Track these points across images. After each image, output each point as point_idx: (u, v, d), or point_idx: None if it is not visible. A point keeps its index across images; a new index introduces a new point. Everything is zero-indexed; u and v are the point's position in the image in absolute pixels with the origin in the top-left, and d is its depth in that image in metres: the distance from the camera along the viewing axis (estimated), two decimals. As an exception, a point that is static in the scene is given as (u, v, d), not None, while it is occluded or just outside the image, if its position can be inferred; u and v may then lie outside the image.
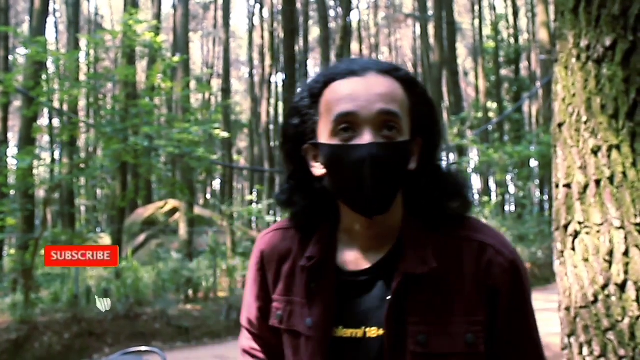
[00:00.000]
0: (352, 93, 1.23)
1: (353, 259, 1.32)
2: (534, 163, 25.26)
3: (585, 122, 2.52)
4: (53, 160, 27.22)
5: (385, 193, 1.22)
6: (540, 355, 1.31)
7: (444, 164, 1.35)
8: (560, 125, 2.66)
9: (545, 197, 26.75)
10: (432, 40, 28.17)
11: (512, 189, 30.14)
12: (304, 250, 1.36)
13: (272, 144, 32.48)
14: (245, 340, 1.57)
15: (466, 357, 1.21)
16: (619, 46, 2.45)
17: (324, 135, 1.26)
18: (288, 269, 1.39)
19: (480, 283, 1.23)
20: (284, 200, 1.40)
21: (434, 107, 1.34)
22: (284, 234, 1.44)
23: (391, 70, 1.28)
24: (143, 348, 4.34)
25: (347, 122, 1.22)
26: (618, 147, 2.43)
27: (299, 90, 1.38)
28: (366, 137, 1.20)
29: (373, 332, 1.25)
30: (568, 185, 2.59)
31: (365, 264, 1.30)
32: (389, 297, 1.24)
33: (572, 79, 2.60)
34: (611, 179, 2.43)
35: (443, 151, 1.38)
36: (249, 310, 1.54)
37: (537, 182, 28.10)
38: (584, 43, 2.55)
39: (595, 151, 2.48)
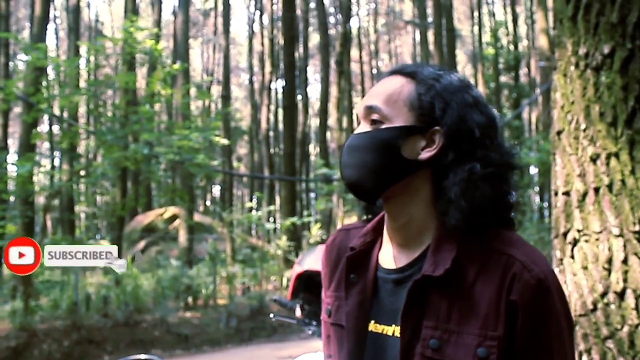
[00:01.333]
0: None
1: (390, 257, 1.34)
2: (533, 170, 25.24)
3: (584, 130, 2.52)
4: (53, 167, 27.24)
5: (360, 177, 1.28)
6: None
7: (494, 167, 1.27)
8: (559, 132, 2.67)
9: (545, 204, 26.70)
10: (431, 47, 28.19)
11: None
12: (349, 243, 1.42)
13: (272, 150, 32.49)
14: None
15: None
16: (617, 54, 2.46)
17: None
18: (341, 265, 1.43)
19: (502, 297, 1.18)
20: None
21: (449, 97, 1.28)
22: (347, 233, 1.50)
23: (401, 69, 1.35)
24: (142, 356, 4.33)
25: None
26: (617, 155, 2.43)
27: None
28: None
29: (398, 331, 1.26)
30: (567, 193, 2.59)
31: (400, 263, 1.32)
32: (405, 298, 1.25)
33: (570, 86, 2.60)
34: (610, 187, 2.44)
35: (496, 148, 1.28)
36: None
37: (536, 189, 28.07)
38: (582, 51, 2.56)
39: (594, 159, 2.49)
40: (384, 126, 1.27)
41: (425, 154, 1.26)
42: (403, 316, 1.23)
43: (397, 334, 1.25)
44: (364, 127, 1.30)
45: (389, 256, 1.34)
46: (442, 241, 1.26)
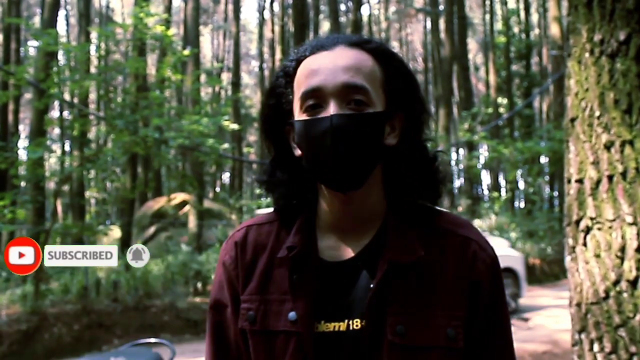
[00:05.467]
0: (318, 67, 1.21)
1: (335, 248, 1.28)
2: (544, 159, 25.13)
3: (598, 117, 2.50)
4: (63, 152, 27.34)
5: (353, 165, 1.18)
6: (512, 356, 1.30)
7: (426, 147, 1.30)
8: (572, 120, 2.65)
9: (555, 194, 26.61)
10: (442, 35, 28.05)
11: (521, 184, 30.03)
12: (282, 242, 1.30)
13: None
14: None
15: (445, 352, 1.18)
16: (633, 40, 2.43)
17: (296, 113, 1.24)
18: (263, 266, 1.31)
19: (463, 278, 1.21)
20: (265, 181, 1.35)
21: (412, 80, 1.28)
22: (259, 229, 1.37)
23: (361, 43, 1.25)
24: (152, 340, 4.36)
25: (314, 97, 1.20)
26: (631, 143, 2.41)
27: (277, 71, 1.34)
28: (331, 110, 1.17)
29: (357, 323, 1.20)
30: (580, 181, 2.57)
31: (348, 253, 1.26)
32: (372, 286, 1.20)
33: (585, 73, 2.58)
34: (624, 175, 2.42)
35: (432, 130, 1.33)
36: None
37: (547, 178, 27.96)
38: (597, 37, 2.53)
39: (608, 146, 2.47)
40: (370, 110, 1.19)
41: (391, 140, 1.25)
42: (369, 306, 1.19)
43: (354, 327, 1.20)
44: (341, 107, 1.18)
45: (332, 248, 1.28)
46: (397, 224, 1.24)
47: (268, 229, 1.36)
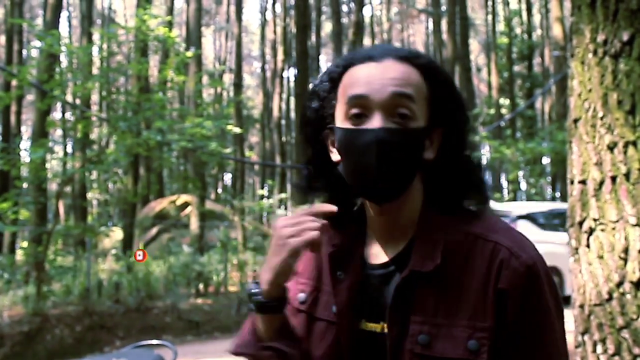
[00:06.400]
0: (366, 77, 1.21)
1: (375, 252, 1.29)
2: (546, 160, 25.13)
3: (602, 118, 2.49)
4: (66, 153, 27.36)
5: (393, 179, 1.19)
6: None
7: (471, 156, 1.30)
8: (576, 120, 2.64)
9: (557, 194, 26.59)
10: (445, 36, 28.02)
11: (523, 185, 30.02)
12: (332, 239, 1.32)
13: (283, 139, 32.50)
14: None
15: None
16: (636, 41, 2.42)
17: (339, 119, 1.25)
18: (317, 256, 1.36)
19: (489, 286, 1.15)
20: (304, 186, 1.37)
21: (457, 96, 1.28)
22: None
23: (411, 57, 1.25)
24: (154, 341, 4.36)
25: (360, 106, 1.20)
26: (634, 143, 2.40)
27: (320, 74, 1.34)
28: (376, 122, 1.17)
29: (386, 327, 1.21)
30: (583, 182, 2.56)
31: (384, 257, 1.27)
32: (392, 293, 1.20)
33: (588, 74, 2.57)
34: (627, 176, 2.41)
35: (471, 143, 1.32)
36: None
37: (549, 179, 27.96)
38: (600, 38, 2.52)
39: (611, 147, 2.46)
40: (414, 124, 1.20)
41: (429, 154, 1.25)
42: (390, 313, 1.19)
43: (385, 330, 1.21)
44: (386, 120, 1.18)
45: (373, 251, 1.30)
46: (426, 233, 1.23)
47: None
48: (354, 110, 1.20)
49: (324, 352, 1.28)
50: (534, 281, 1.16)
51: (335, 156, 1.28)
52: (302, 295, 1.35)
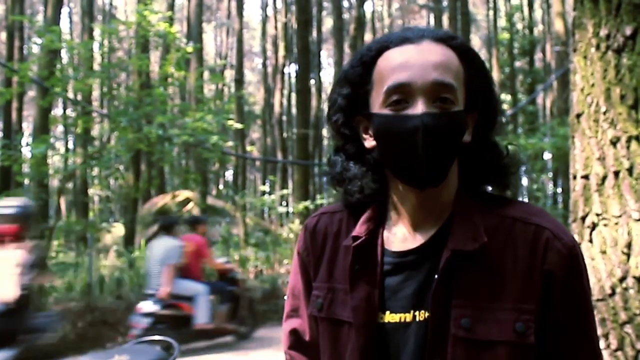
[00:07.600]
0: (406, 62, 1.19)
1: (401, 239, 1.27)
2: (547, 155, 25.09)
3: (604, 113, 2.49)
4: (67, 149, 27.37)
5: (438, 164, 1.18)
6: (596, 354, 1.23)
7: (500, 142, 1.31)
8: (578, 115, 2.63)
9: (559, 190, 26.57)
10: (446, 31, 28.00)
11: (525, 181, 30.00)
12: (351, 231, 1.31)
13: (284, 134, 32.46)
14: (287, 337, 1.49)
15: (514, 347, 1.14)
16: (639, 35, 2.41)
17: (377, 105, 1.22)
18: (331, 253, 1.35)
19: (534, 268, 1.16)
20: (335, 175, 1.33)
21: (491, 80, 1.28)
22: (331, 217, 1.39)
23: (447, 39, 1.24)
24: (156, 337, 4.34)
25: (401, 93, 1.18)
26: (637, 138, 2.40)
27: (351, 59, 1.32)
28: (419, 107, 1.16)
29: (422, 315, 1.20)
30: (586, 177, 2.56)
31: (414, 243, 1.25)
32: (436, 276, 1.18)
33: (591, 68, 2.56)
34: (630, 170, 2.40)
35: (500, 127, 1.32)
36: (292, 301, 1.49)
37: (550, 174, 27.92)
38: (603, 32, 2.51)
39: (614, 142, 2.45)
40: (455, 108, 1.19)
41: (466, 137, 1.25)
42: (434, 297, 1.18)
43: (420, 318, 1.20)
44: (429, 105, 1.17)
45: (398, 238, 1.28)
46: (464, 214, 1.23)
47: (340, 216, 1.38)
48: (395, 97, 1.19)
49: (351, 352, 1.25)
50: (576, 262, 1.19)
51: (369, 142, 1.26)
52: (319, 301, 1.33)
